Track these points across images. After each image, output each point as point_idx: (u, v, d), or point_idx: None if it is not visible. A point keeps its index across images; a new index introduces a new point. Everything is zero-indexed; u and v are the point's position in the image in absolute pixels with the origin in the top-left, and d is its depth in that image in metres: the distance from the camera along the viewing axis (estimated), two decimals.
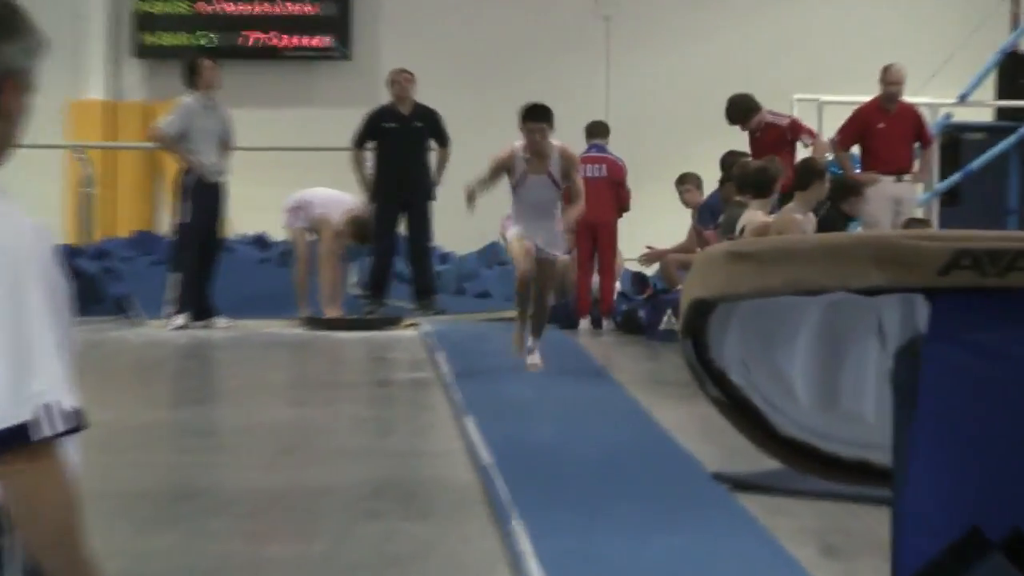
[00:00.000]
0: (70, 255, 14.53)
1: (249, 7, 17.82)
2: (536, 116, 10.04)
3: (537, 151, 10.04)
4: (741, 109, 13.07)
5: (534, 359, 10.51)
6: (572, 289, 13.96)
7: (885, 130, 13.40)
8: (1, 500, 2.27)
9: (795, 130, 13.03)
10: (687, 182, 13.97)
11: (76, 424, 2.25)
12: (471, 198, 9.99)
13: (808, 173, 11.06)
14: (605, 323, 14.01)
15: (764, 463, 4.46)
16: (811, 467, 3.44)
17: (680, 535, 5.95)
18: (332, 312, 13.57)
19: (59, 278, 2.38)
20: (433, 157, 14.36)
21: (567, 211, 10.51)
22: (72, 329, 2.43)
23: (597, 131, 14.26)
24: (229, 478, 7.45)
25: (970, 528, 2.94)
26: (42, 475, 2.26)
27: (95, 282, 14.10)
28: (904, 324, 3.15)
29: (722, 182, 13.05)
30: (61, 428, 2.24)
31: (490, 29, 17.84)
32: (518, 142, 10.21)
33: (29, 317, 2.26)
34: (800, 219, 10.46)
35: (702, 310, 3.17)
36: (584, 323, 13.89)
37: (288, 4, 17.81)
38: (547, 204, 10.24)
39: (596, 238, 13.70)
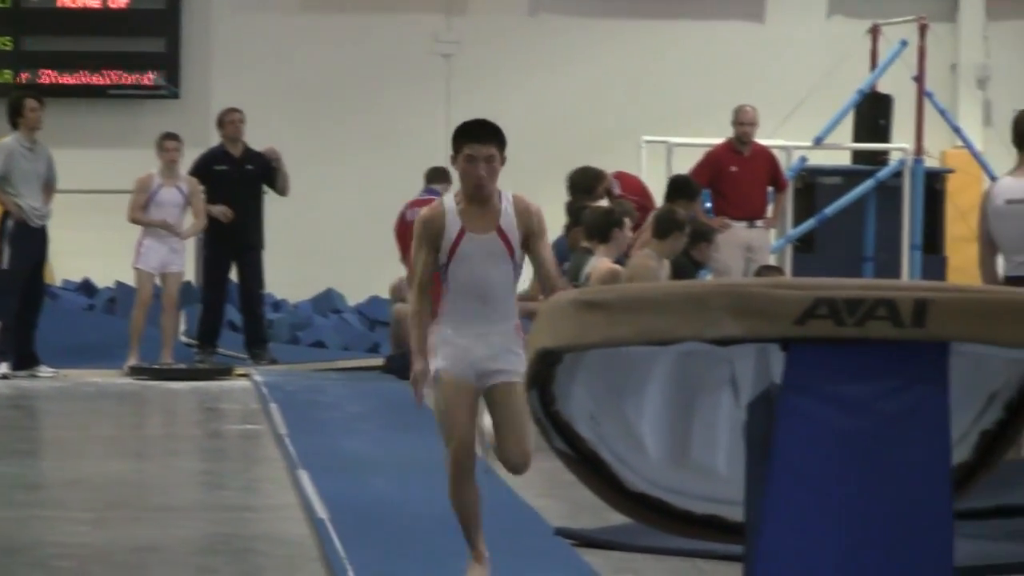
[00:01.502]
0: None
1: (74, 43, 17.85)
2: (482, 135, 6.29)
3: (481, 194, 6.19)
4: (582, 187, 13.23)
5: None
6: None
7: (738, 173, 13.63)
8: None
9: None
10: None
11: None
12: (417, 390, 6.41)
13: (668, 223, 10.94)
14: None
15: (611, 518, 4.56)
16: (661, 523, 3.54)
17: None
18: (165, 359, 13.68)
19: None
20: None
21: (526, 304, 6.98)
22: None
23: (436, 177, 14.09)
24: (54, 533, 7.53)
25: None
26: None
27: None
28: (758, 375, 3.21)
29: (568, 228, 13.27)
30: None
31: (326, 66, 18.05)
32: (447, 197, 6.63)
33: None
34: (653, 265, 10.52)
35: (548, 360, 3.23)
36: None
37: (114, 40, 17.88)
38: (497, 285, 6.29)
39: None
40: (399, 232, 13.61)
